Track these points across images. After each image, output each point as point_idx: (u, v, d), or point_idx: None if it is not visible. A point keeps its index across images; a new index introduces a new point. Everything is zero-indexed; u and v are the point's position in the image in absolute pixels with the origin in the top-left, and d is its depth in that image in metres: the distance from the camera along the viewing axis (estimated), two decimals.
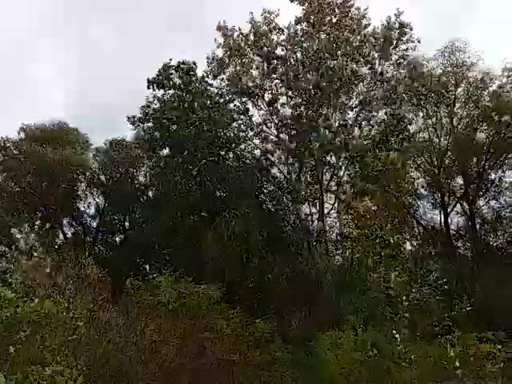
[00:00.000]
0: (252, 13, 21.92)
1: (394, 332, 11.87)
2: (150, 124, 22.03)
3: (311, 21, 21.41)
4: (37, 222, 13.42)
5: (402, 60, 21.85)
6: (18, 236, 17.10)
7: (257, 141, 22.90)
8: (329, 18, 21.65)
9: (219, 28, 22.23)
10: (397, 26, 21.40)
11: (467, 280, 21.96)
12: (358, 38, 21.54)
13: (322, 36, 21.43)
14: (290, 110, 21.79)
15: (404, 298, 14.77)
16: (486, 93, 22.97)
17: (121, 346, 9.05)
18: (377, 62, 21.70)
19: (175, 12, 35.18)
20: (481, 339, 13.58)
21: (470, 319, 18.90)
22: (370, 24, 21.92)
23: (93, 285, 10.77)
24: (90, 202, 22.23)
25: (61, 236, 20.16)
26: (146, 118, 21.99)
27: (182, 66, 21.90)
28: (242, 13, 23.39)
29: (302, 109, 21.13)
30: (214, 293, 13.15)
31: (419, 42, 21.60)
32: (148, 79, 21.81)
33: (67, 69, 44.61)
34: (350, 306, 14.96)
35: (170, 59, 22.05)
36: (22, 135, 23.34)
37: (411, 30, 21.44)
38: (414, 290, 18.05)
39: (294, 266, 17.33)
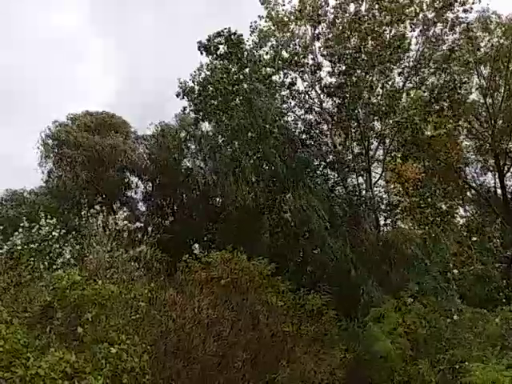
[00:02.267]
0: None
1: (448, 305, 11.75)
2: (196, 95, 22.06)
3: None
4: (94, 208, 14.17)
5: (457, 22, 20.78)
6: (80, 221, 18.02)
7: (300, 112, 22.66)
8: None
9: (262, 1, 22.03)
10: None
11: None
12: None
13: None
14: (334, 79, 21.42)
15: (452, 265, 14.56)
16: None
17: (180, 322, 9.51)
18: (430, 23, 20.75)
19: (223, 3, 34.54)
20: None
21: None
22: None
23: (150, 266, 11.28)
24: (138, 188, 22.90)
25: (113, 222, 20.97)
26: (193, 87, 22.01)
27: (231, 36, 21.79)
28: None
29: (345, 75, 20.74)
30: (265, 267, 13.45)
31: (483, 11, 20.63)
32: (199, 42, 21.75)
33: (116, 68, 45.39)
34: (404, 278, 14.88)
35: (221, 29, 21.99)
36: (70, 123, 24.06)
37: None
38: (470, 259, 17.76)
39: (345, 239, 17.30)
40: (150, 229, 17.44)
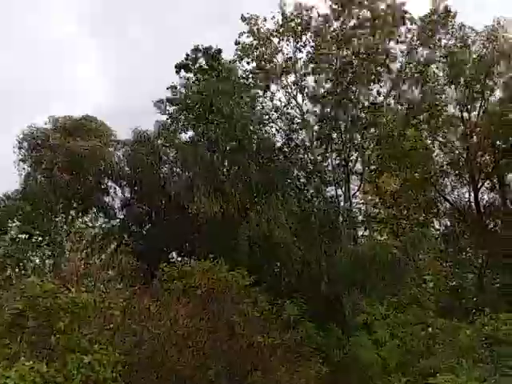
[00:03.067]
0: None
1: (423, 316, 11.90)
2: (175, 107, 22.36)
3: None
4: (70, 214, 13.86)
5: (438, 44, 21.33)
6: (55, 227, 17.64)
7: (281, 123, 22.82)
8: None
9: (243, 18, 22.25)
10: (441, 12, 20.86)
11: (498, 258, 21.67)
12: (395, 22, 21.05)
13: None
14: (317, 89, 21.71)
15: (428, 277, 14.76)
16: None
17: (154, 333, 9.36)
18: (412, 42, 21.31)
19: (213, 11, 35.14)
20: None
21: (503, 297, 18.76)
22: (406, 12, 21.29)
23: (125, 274, 11.10)
24: (116, 194, 22.62)
25: (90, 228, 20.72)
26: (172, 100, 22.38)
27: (208, 50, 22.27)
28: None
29: (330, 86, 21.04)
30: (243, 278, 13.39)
31: (461, 28, 21.25)
32: (176, 64, 22.48)
33: (105, 69, 45.21)
34: (379, 289, 15.01)
35: (197, 45, 22.57)
36: (50, 126, 23.62)
37: (454, 17, 20.93)
38: (444, 271, 18.04)
39: (321, 249, 17.39)
40: (125, 236, 17.25)
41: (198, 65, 23.21)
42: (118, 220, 22.37)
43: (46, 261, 16.05)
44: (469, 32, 22.34)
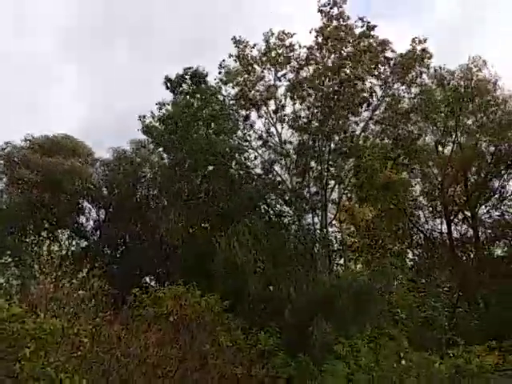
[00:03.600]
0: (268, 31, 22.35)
1: (395, 348, 11.88)
2: (159, 127, 22.32)
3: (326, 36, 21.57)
4: (40, 235, 13.50)
5: (414, 80, 21.92)
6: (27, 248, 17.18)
7: (260, 150, 23.01)
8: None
9: (234, 40, 22.54)
10: (418, 52, 21.40)
11: (471, 290, 21.96)
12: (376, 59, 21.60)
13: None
14: (296, 118, 22.01)
15: (400, 311, 14.80)
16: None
17: (123, 361, 9.08)
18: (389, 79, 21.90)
19: (201, 36, 35.68)
20: (486, 349, 13.60)
21: (476, 330, 18.93)
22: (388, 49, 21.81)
23: (96, 298, 10.79)
24: (91, 215, 22.33)
25: (62, 248, 20.29)
26: (157, 119, 22.35)
27: (193, 75, 22.48)
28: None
29: (309, 114, 21.30)
30: (216, 304, 13.22)
31: (435, 70, 22.10)
32: (165, 77, 22.65)
33: (88, 93, 45.08)
34: (353, 319, 14.96)
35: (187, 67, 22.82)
36: (25, 145, 23.33)
37: (430, 58, 21.57)
38: (417, 302, 18.13)
39: (296, 276, 17.33)
40: (98, 259, 16.89)
41: (181, 88, 23.28)
42: (91, 242, 21.99)
43: (14, 281, 15.54)
44: (444, 73, 23.22)
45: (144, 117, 22.13)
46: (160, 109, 22.40)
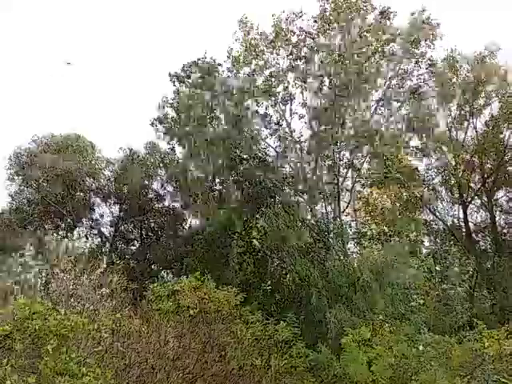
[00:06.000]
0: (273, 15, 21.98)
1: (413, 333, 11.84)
2: (166, 125, 22.28)
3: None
4: (58, 233, 13.80)
5: (423, 58, 21.61)
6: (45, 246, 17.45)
7: (271, 141, 22.92)
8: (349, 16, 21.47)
9: (241, 22, 22.21)
10: (421, 22, 21.06)
11: (488, 274, 21.78)
12: (384, 37, 21.33)
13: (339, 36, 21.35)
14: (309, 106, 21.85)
15: (416, 296, 14.73)
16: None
17: (144, 355, 9.23)
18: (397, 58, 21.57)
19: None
20: (505, 333, 13.49)
21: (493, 313, 18.81)
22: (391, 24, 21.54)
23: (115, 294, 10.96)
24: (104, 212, 22.56)
25: (79, 245, 20.53)
26: (164, 116, 22.22)
27: (203, 64, 22.08)
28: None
29: (323, 102, 21.09)
30: (234, 297, 13.31)
31: (441, 38, 21.56)
32: (169, 73, 22.18)
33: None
34: (370, 305, 14.95)
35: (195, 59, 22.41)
36: (34, 145, 23.62)
37: (438, 25, 21.19)
38: (433, 288, 18.04)
39: (311, 266, 17.33)
40: (114, 255, 17.12)
41: (191, 79, 22.90)
42: (107, 238, 22.26)
43: (34, 279, 15.81)
44: (456, 56, 22.83)
45: (163, 107, 21.99)
46: (173, 100, 22.23)
